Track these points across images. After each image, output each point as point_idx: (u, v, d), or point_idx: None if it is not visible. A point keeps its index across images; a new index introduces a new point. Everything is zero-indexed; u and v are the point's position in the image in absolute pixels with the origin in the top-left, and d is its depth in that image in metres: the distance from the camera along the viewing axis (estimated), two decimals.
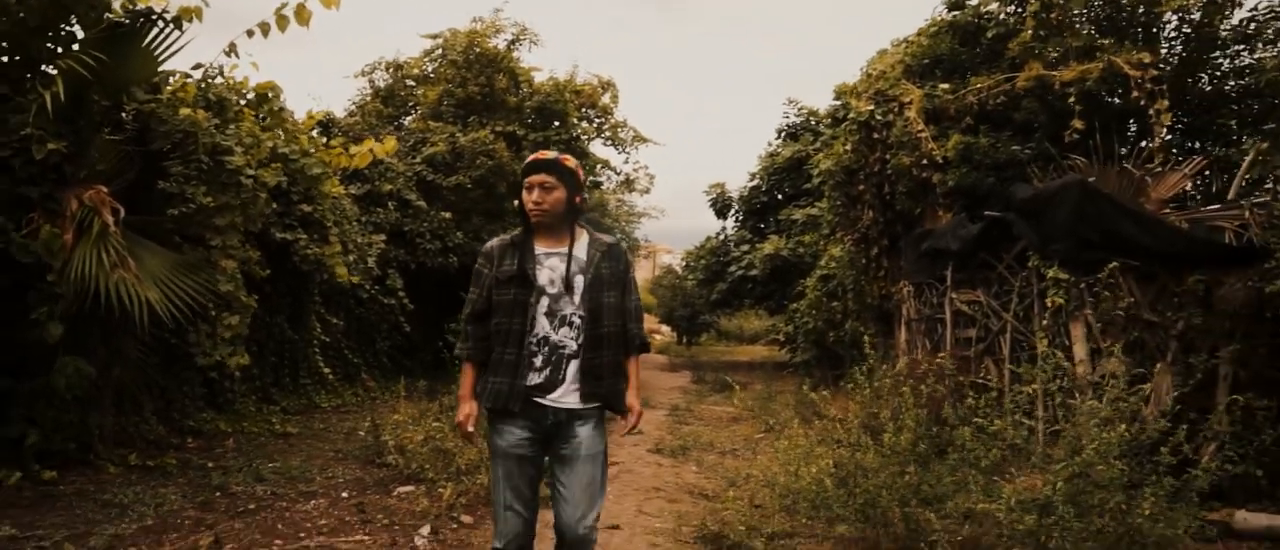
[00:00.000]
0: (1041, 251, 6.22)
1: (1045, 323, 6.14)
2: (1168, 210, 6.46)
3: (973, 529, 4.10)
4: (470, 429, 2.99)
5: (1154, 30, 9.54)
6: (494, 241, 3.06)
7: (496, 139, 13.66)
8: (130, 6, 5.91)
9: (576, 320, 2.92)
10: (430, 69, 15.56)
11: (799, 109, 20.90)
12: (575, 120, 15.62)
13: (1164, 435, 4.32)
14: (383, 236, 11.77)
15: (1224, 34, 8.77)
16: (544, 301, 2.91)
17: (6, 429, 5.61)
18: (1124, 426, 3.73)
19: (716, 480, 6.54)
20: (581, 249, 2.98)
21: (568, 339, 2.92)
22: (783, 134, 21.29)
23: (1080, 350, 5.98)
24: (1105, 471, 3.58)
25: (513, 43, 15.45)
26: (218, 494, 5.51)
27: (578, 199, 2.98)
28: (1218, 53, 9.18)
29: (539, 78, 15.49)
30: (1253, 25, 8.32)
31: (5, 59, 5.63)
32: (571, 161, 3.00)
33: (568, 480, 2.89)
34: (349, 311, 11.93)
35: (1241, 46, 9.07)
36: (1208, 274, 5.77)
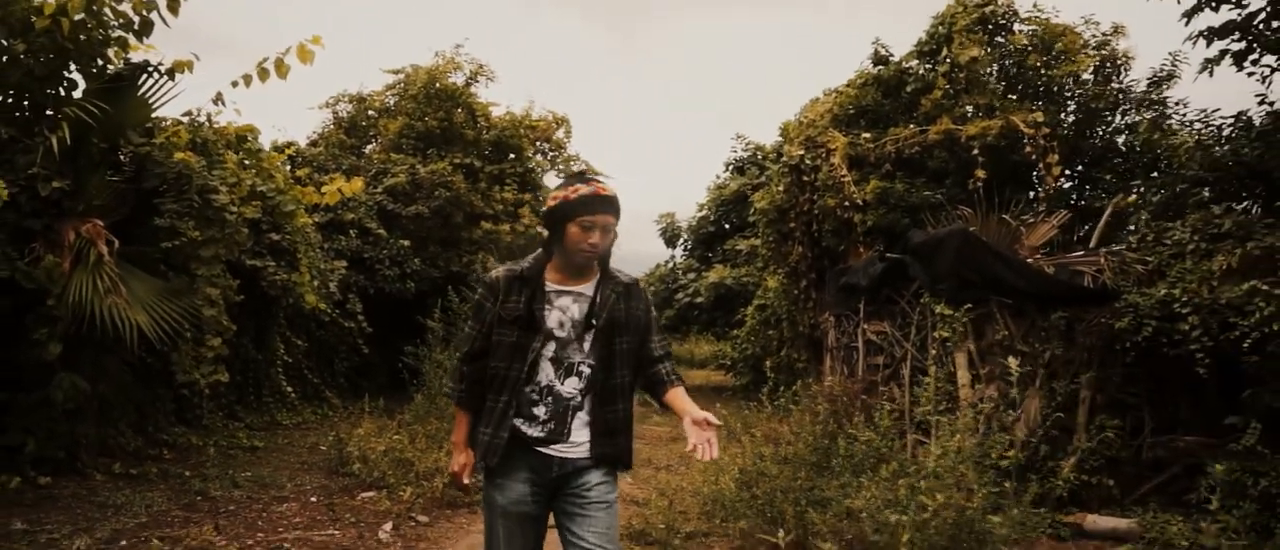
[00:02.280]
0: (931, 290, 7.12)
1: (934, 352, 7.04)
2: (1039, 255, 7.41)
3: (851, 524, 4.93)
4: (467, 481, 2.76)
5: (1055, 89, 10.65)
6: (500, 271, 2.69)
7: (454, 171, 14.41)
8: (125, 57, 6.61)
9: (585, 369, 2.64)
10: (392, 102, 16.26)
11: (746, 144, 21.95)
12: (530, 154, 16.44)
13: (1029, 450, 5.17)
14: (344, 263, 12.42)
15: (1099, 103, 9.85)
16: (551, 347, 2.62)
17: (6, 438, 6.20)
18: (959, 437, 4.59)
19: (648, 490, 7.31)
20: (595, 288, 2.68)
21: (574, 390, 2.63)
22: (730, 167, 22.30)
23: (963, 376, 6.89)
24: (947, 477, 4.42)
25: (471, 79, 16.21)
26: (199, 497, 6.16)
27: None
28: (1107, 112, 10.31)
29: (496, 112, 16.28)
30: (1120, 95, 9.38)
31: (14, 105, 6.27)
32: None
33: (582, 531, 2.58)
34: (310, 334, 12.54)
35: (1126, 108, 10.21)
36: (1069, 311, 6.71)
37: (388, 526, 5.49)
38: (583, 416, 2.64)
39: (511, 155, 15.97)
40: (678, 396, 2.68)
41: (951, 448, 4.51)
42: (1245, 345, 5.55)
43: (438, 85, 15.43)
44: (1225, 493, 5.21)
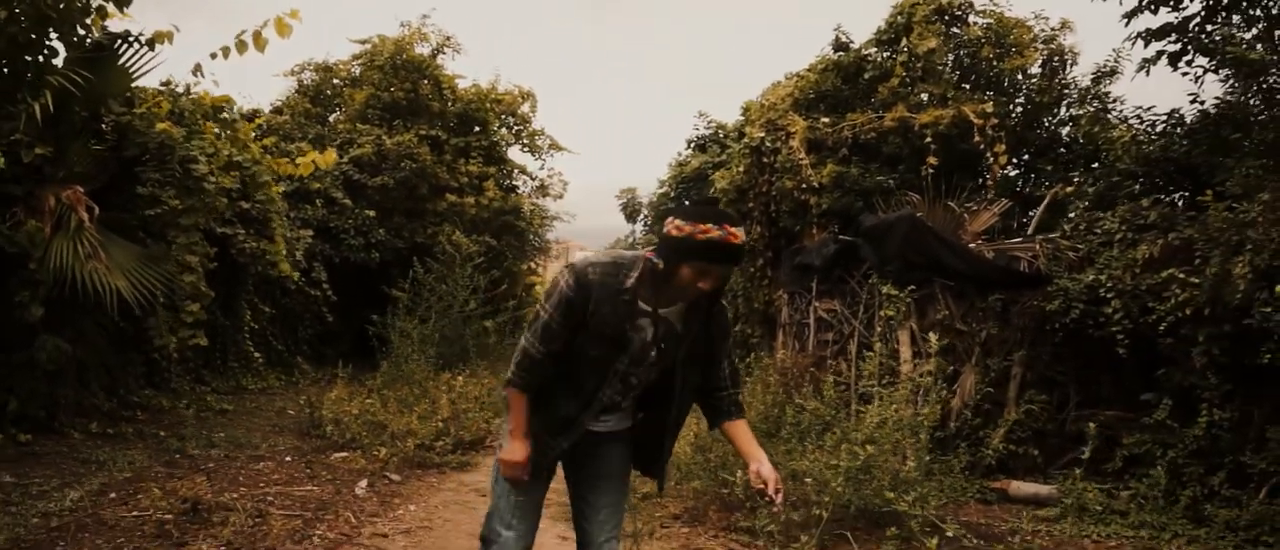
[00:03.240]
0: (879, 271, 7.56)
1: (879, 330, 7.49)
2: (980, 240, 7.89)
3: (796, 486, 5.35)
4: (526, 478, 2.63)
5: (1005, 82, 11.13)
6: (596, 272, 2.47)
7: (420, 143, 14.59)
8: (103, 26, 6.74)
9: (633, 380, 2.59)
10: (358, 72, 16.34)
11: (708, 122, 22.29)
12: (495, 127, 16.64)
13: (962, 421, 5.60)
14: (310, 232, 12.59)
15: (1046, 96, 10.35)
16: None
17: None
18: (894, 408, 5.02)
19: None
20: (681, 320, 2.55)
21: (615, 394, 2.60)
22: (692, 144, 22.65)
23: (905, 353, 7.35)
24: (884, 442, 4.85)
25: (437, 51, 16.34)
26: (178, 455, 6.42)
27: None
28: (1053, 105, 10.82)
29: (462, 85, 16.44)
30: (1062, 90, 9.88)
31: None
32: None
33: (594, 499, 2.69)
34: (276, 301, 12.71)
35: (1071, 101, 10.73)
36: (1005, 294, 7.19)
37: (363, 483, 5.81)
38: (618, 412, 2.64)
39: (477, 128, 16.18)
40: (740, 433, 2.63)
41: (890, 416, 4.94)
42: (1161, 328, 6.06)
43: (404, 56, 15.55)
44: (1135, 462, 5.71)
